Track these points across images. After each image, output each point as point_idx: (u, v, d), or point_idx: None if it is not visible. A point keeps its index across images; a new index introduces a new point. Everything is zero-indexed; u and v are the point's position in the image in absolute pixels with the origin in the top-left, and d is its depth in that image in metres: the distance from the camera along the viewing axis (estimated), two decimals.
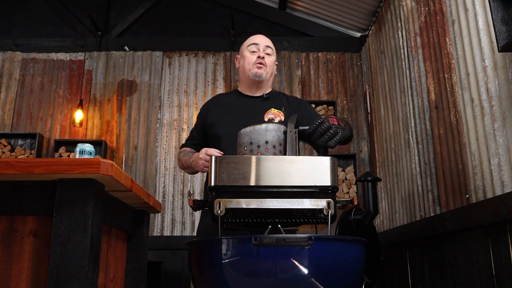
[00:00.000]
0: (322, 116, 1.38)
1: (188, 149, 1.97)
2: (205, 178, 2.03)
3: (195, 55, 4.34)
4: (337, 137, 1.31)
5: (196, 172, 1.90)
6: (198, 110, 2.20)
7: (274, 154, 1.30)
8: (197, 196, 3.95)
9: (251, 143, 1.32)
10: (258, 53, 1.95)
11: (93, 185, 1.13)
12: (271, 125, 1.33)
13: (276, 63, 2.05)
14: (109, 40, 4.44)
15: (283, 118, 1.85)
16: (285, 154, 1.30)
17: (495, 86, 1.90)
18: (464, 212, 2.10)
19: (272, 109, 1.88)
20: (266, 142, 1.31)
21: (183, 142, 4.16)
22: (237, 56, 2.08)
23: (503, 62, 1.85)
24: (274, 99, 1.97)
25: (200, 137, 1.98)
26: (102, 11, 4.58)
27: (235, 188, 1.20)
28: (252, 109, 1.90)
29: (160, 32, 4.55)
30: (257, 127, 1.33)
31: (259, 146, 1.31)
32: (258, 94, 1.98)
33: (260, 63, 1.92)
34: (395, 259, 3.02)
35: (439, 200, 2.46)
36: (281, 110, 1.88)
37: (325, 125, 1.31)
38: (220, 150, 1.72)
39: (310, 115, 1.92)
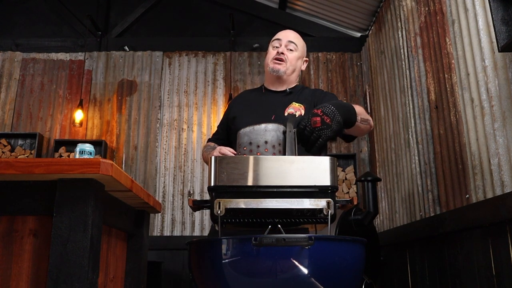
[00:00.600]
0: (308, 117, 1.32)
1: (212, 144, 1.97)
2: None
3: (195, 55, 4.34)
4: (320, 140, 1.28)
5: None
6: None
7: (274, 154, 1.30)
8: (197, 196, 3.95)
9: (250, 143, 1.32)
10: (279, 48, 1.92)
11: (93, 185, 1.13)
12: (270, 125, 1.33)
13: (305, 59, 2.00)
14: (109, 40, 4.44)
15: (303, 112, 1.80)
16: (284, 154, 1.30)
17: (495, 86, 1.90)
18: (464, 212, 2.10)
19: (293, 103, 1.85)
20: (266, 142, 1.31)
21: (183, 142, 4.20)
22: (266, 52, 2.08)
23: (503, 62, 1.85)
24: (297, 94, 1.92)
25: (223, 132, 2.00)
26: (102, 11, 4.58)
27: (235, 188, 1.20)
28: (274, 104, 1.88)
29: (160, 32, 4.55)
30: (256, 127, 1.33)
31: (258, 146, 1.31)
32: (281, 89, 1.95)
33: (278, 58, 1.89)
34: (395, 259, 3.02)
35: (439, 200, 2.46)
36: (302, 104, 1.84)
37: (306, 132, 1.28)
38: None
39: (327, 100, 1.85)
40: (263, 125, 1.33)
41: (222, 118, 2.07)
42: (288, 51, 1.92)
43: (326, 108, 1.31)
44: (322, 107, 1.32)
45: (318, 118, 1.29)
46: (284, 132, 1.32)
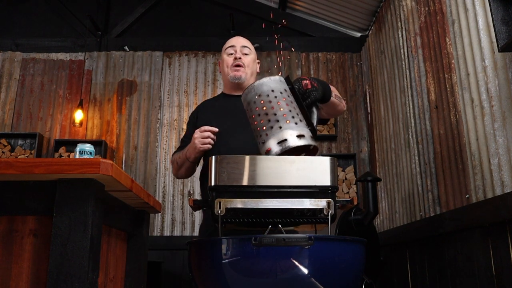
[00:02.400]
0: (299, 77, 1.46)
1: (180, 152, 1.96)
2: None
3: (195, 55, 4.34)
4: (309, 99, 1.39)
5: (191, 168, 1.89)
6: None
7: (287, 104, 1.31)
8: (197, 196, 3.95)
9: (272, 90, 1.33)
10: (235, 54, 1.96)
11: (93, 185, 1.13)
12: (273, 77, 1.38)
13: (258, 61, 2.05)
14: (109, 40, 4.44)
15: None
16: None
17: (495, 86, 1.90)
18: (464, 212, 2.10)
19: None
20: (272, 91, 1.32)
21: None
22: (219, 60, 2.09)
23: (503, 62, 1.85)
24: None
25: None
26: (102, 11, 4.58)
27: (236, 188, 1.20)
28: (239, 107, 1.92)
29: (160, 32, 4.55)
30: (258, 82, 1.35)
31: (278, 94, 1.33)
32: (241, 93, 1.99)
33: (237, 65, 1.93)
34: (395, 259, 3.02)
35: (439, 200, 2.46)
36: None
37: (300, 93, 1.39)
38: (214, 151, 1.75)
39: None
40: (265, 78, 1.36)
41: (186, 132, 2.02)
42: (244, 55, 1.96)
43: (310, 77, 1.45)
44: (306, 76, 1.45)
45: (308, 81, 1.41)
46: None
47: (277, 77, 1.35)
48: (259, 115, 1.30)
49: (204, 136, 1.73)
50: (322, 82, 1.51)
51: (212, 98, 2.18)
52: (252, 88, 1.34)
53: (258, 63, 2.07)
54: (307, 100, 1.39)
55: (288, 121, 1.28)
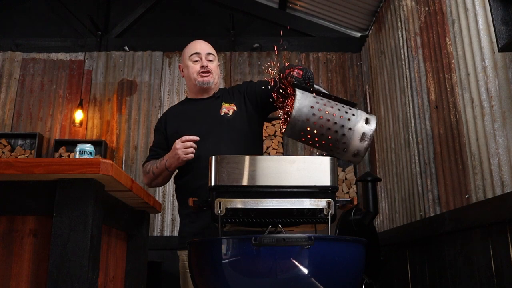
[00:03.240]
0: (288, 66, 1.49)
1: (153, 161, 1.94)
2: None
3: None
4: (311, 80, 1.45)
5: (169, 176, 1.90)
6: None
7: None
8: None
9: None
10: (201, 62, 1.98)
11: (93, 185, 1.13)
12: None
13: (218, 64, 2.09)
14: (109, 40, 4.44)
15: (235, 108, 1.93)
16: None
17: (495, 86, 1.90)
18: (464, 212, 2.10)
19: (223, 103, 1.95)
20: None
21: None
22: (179, 64, 2.11)
23: (503, 62, 1.85)
24: (224, 96, 2.02)
25: (163, 150, 1.95)
26: (102, 11, 4.58)
27: (236, 188, 1.20)
28: (207, 109, 1.96)
29: (160, 32, 4.55)
30: None
31: None
32: (208, 96, 2.02)
33: (205, 72, 1.96)
34: (395, 259, 3.02)
35: (439, 200, 2.46)
36: (231, 103, 1.95)
37: (300, 82, 1.42)
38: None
39: (257, 85, 1.97)
40: None
41: (155, 140, 2.03)
42: (209, 62, 1.99)
43: (287, 66, 1.49)
44: (285, 67, 1.49)
45: (295, 70, 1.45)
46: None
47: (299, 93, 1.34)
48: (322, 134, 1.30)
49: (186, 146, 1.74)
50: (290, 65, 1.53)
51: (177, 104, 2.19)
52: (295, 119, 1.31)
53: (218, 65, 2.10)
54: (313, 85, 1.42)
55: (348, 118, 1.31)
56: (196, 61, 1.99)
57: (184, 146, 1.74)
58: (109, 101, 4.20)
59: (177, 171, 1.94)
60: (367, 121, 1.32)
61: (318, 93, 1.40)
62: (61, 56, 4.31)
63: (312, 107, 1.30)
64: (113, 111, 4.17)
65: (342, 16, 4.21)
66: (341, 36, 4.40)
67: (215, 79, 2.00)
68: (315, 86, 1.44)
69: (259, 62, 4.30)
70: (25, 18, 4.56)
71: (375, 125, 1.32)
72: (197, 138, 1.75)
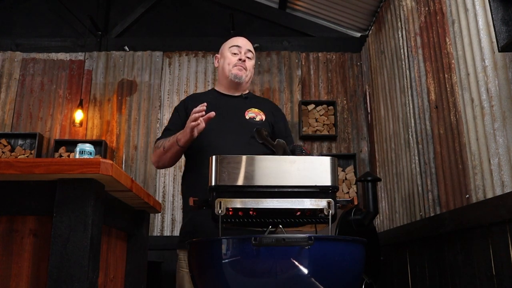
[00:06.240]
0: (299, 145, 1.53)
1: (166, 138, 1.89)
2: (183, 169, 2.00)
3: (195, 55, 4.34)
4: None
5: (178, 153, 1.83)
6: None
7: None
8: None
9: None
10: (240, 55, 1.97)
11: (93, 185, 1.13)
12: None
13: (254, 65, 2.08)
14: (109, 40, 4.44)
15: (264, 118, 1.93)
16: None
17: (495, 86, 1.90)
18: (464, 212, 2.10)
19: (252, 108, 1.94)
20: None
21: None
22: (216, 55, 2.09)
23: (503, 62, 1.85)
24: (252, 99, 2.01)
25: (180, 128, 1.86)
26: (102, 11, 4.58)
27: (236, 188, 1.20)
28: (233, 107, 1.94)
29: (160, 32, 4.55)
30: None
31: None
32: (237, 94, 2.01)
33: (241, 66, 1.95)
34: (395, 259, 3.02)
35: (439, 200, 2.46)
36: (261, 110, 1.94)
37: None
38: (206, 147, 1.77)
39: (286, 127, 2.02)
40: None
41: (173, 120, 1.97)
42: (248, 59, 1.99)
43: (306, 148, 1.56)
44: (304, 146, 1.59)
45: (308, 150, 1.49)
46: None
47: None
48: None
49: (196, 117, 1.68)
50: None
51: (203, 93, 2.16)
52: None
53: (254, 67, 2.10)
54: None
55: None
56: (235, 53, 1.98)
57: (194, 118, 1.68)
58: (109, 101, 4.20)
59: (185, 164, 1.92)
60: None
61: None
62: (61, 56, 4.31)
63: None
64: (113, 111, 4.17)
65: (342, 16, 4.20)
66: (341, 36, 4.40)
67: (248, 77, 1.98)
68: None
69: (259, 62, 4.30)
70: (25, 18, 4.56)
71: None
72: (212, 113, 1.68)
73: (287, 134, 2.00)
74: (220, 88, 2.04)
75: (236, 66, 1.95)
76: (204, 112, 1.69)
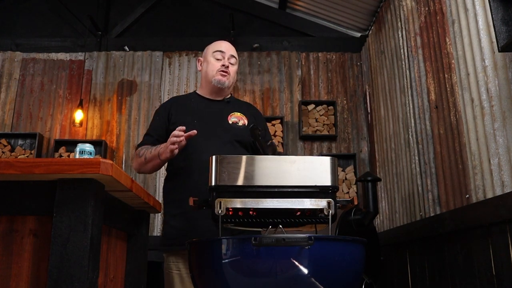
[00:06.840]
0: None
1: (148, 146, 1.90)
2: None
3: (195, 55, 4.34)
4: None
5: (158, 165, 1.84)
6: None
7: None
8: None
9: None
10: (223, 61, 1.97)
11: (93, 185, 1.13)
12: None
13: (237, 70, 2.09)
14: (109, 40, 4.44)
15: (246, 122, 1.94)
16: None
17: (495, 86, 1.90)
18: (464, 212, 2.10)
19: (235, 112, 1.95)
20: None
21: None
22: (199, 58, 2.09)
23: (503, 62, 1.85)
24: (235, 104, 2.03)
25: (159, 136, 1.90)
26: (102, 11, 4.58)
27: (236, 188, 1.20)
28: (215, 112, 1.95)
29: (160, 32, 4.55)
30: None
31: None
32: (219, 98, 2.01)
33: (224, 71, 1.95)
34: (395, 259, 3.02)
35: (439, 200, 2.46)
36: (244, 115, 1.96)
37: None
38: (191, 152, 1.77)
39: (266, 130, 2.04)
40: None
41: (155, 123, 1.96)
42: (231, 65, 1.99)
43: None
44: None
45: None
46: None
47: None
48: None
49: (177, 136, 1.67)
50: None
51: (184, 96, 2.15)
52: None
53: (236, 72, 2.10)
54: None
55: None
56: (219, 59, 1.97)
57: (173, 142, 1.67)
58: (109, 101, 4.20)
59: (167, 168, 1.93)
60: None
61: None
62: (61, 56, 4.31)
63: None
64: (113, 111, 4.17)
65: (342, 16, 4.20)
66: (341, 36, 4.40)
67: (231, 82, 1.99)
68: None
69: (259, 62, 4.30)
70: (25, 18, 4.55)
71: None
72: (194, 132, 1.68)
73: (267, 138, 1.99)
74: (202, 92, 2.04)
75: (219, 71, 1.95)
76: (183, 132, 1.68)
